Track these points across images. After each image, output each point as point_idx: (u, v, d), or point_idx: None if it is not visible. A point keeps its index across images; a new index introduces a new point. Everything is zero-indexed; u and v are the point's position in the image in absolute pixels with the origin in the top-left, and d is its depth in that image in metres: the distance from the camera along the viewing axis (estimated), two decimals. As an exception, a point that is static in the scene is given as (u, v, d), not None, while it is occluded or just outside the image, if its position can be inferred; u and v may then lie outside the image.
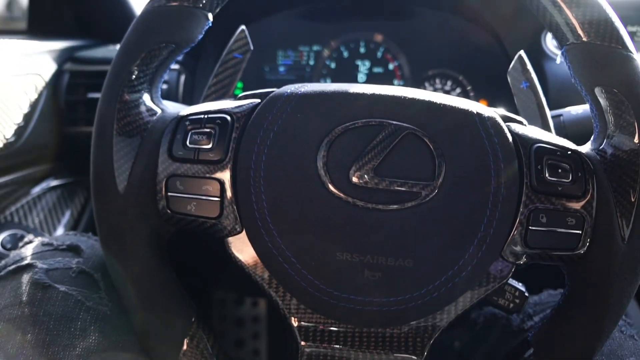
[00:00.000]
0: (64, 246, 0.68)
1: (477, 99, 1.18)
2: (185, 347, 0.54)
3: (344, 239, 0.50)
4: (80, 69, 1.12)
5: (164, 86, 1.09)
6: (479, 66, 1.18)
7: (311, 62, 1.23)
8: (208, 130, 0.52)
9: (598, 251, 0.50)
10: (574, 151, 0.52)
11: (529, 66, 0.75)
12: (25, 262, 0.63)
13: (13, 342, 0.55)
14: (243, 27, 0.80)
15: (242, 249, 0.51)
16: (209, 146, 0.51)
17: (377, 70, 1.22)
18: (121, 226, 0.52)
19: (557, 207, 0.50)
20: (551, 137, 0.54)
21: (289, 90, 0.53)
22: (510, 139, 0.51)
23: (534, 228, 0.50)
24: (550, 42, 1.09)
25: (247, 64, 0.80)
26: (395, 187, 0.50)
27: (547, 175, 0.50)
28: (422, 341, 0.51)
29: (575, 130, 0.79)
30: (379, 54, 1.22)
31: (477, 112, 0.52)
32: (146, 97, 0.55)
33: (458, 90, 1.19)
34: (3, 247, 1.05)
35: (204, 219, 0.51)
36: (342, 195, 0.49)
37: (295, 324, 0.51)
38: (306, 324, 0.51)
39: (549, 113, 0.75)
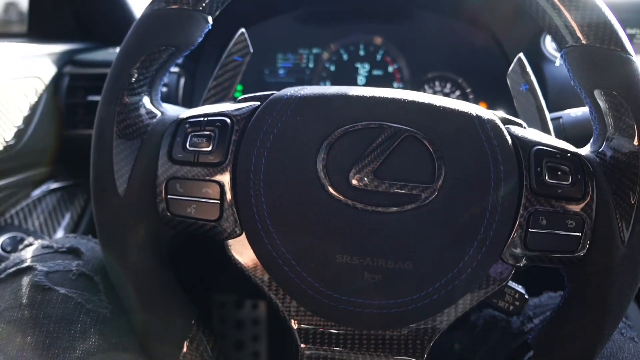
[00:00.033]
0: (64, 249, 0.68)
1: (476, 101, 1.18)
2: (185, 349, 0.54)
3: (343, 241, 0.50)
4: (80, 71, 1.12)
5: (164, 89, 1.09)
6: (479, 69, 1.18)
7: (311, 65, 1.23)
8: (208, 132, 0.52)
9: (598, 253, 0.50)
10: (574, 153, 0.52)
11: (529, 69, 0.75)
12: (25, 264, 0.63)
13: (13, 345, 0.55)
14: (243, 30, 0.80)
15: (242, 251, 0.51)
16: (209, 149, 0.51)
17: (376, 72, 1.22)
18: (121, 229, 0.52)
19: (556, 210, 0.50)
20: (551, 140, 0.54)
21: (288, 93, 0.53)
22: (510, 141, 0.51)
23: (533, 230, 0.50)
24: (549, 45, 1.09)
25: (247, 66, 0.80)
26: (395, 190, 0.50)
27: (546, 177, 0.50)
28: (422, 343, 0.51)
29: (575, 133, 0.79)
30: (379, 57, 1.22)
31: (476, 115, 0.52)
32: (146, 100, 0.55)
33: (457, 92, 1.19)
34: (3, 249, 1.05)
35: (203, 222, 0.51)
36: (341, 197, 0.49)
37: (295, 326, 0.51)
38: (306, 326, 0.51)
39: (548, 115, 0.75)
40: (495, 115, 0.53)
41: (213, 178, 0.51)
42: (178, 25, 0.53)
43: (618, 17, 0.52)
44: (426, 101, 0.52)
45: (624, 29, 0.52)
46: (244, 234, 0.51)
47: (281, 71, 1.24)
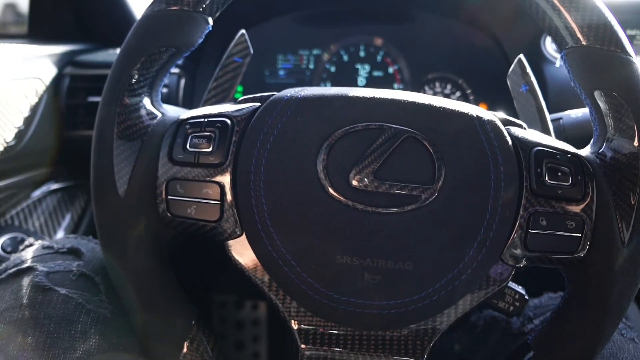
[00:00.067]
0: (65, 249, 0.68)
1: (476, 102, 1.19)
2: (185, 349, 0.54)
3: (344, 242, 0.50)
4: (80, 72, 1.12)
5: (164, 90, 1.10)
6: (479, 70, 1.18)
7: (311, 66, 1.23)
8: (208, 133, 0.52)
9: (598, 254, 0.50)
10: (574, 154, 0.52)
11: (529, 70, 0.75)
12: (26, 265, 0.63)
13: (14, 345, 0.55)
14: (243, 31, 0.80)
15: (242, 252, 0.51)
16: (209, 150, 0.51)
17: (376, 74, 1.22)
18: (121, 229, 0.52)
19: (557, 210, 0.50)
20: (551, 141, 0.54)
21: (288, 94, 0.53)
22: (510, 142, 0.51)
23: (533, 231, 0.50)
24: (549, 46, 1.09)
25: (247, 67, 0.80)
26: (395, 191, 0.50)
27: (546, 178, 0.51)
28: (422, 344, 0.51)
29: (575, 134, 0.79)
30: (379, 58, 1.22)
31: (476, 116, 0.52)
32: (146, 101, 0.55)
33: (458, 93, 1.20)
34: (3, 250, 1.05)
35: (204, 222, 0.51)
36: (342, 198, 0.49)
37: (295, 326, 0.51)
38: (306, 326, 0.51)
39: (548, 116, 0.75)
40: (496, 116, 0.53)
41: (213, 179, 0.51)
42: (178, 26, 0.53)
43: (618, 18, 0.52)
44: (426, 102, 0.52)
45: (624, 30, 0.52)
46: (244, 235, 0.51)
47: (281, 72, 1.24)
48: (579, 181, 0.51)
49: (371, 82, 1.22)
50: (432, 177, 0.50)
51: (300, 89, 0.54)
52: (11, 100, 0.96)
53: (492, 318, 0.83)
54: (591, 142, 0.56)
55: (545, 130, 0.74)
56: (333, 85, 1.23)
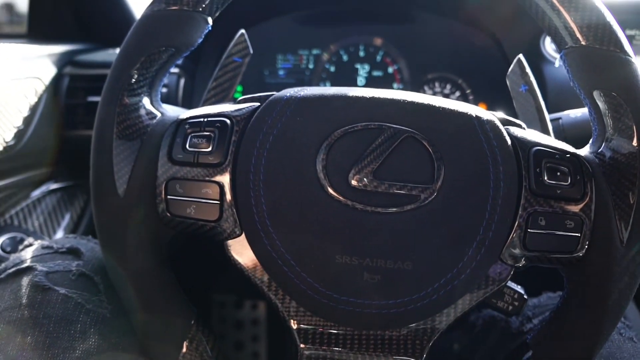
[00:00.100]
0: (64, 249, 0.68)
1: (476, 102, 1.19)
2: (184, 349, 0.54)
3: (343, 241, 0.50)
4: (80, 72, 1.12)
5: (164, 90, 1.10)
6: (478, 70, 1.18)
7: (311, 66, 1.23)
8: (208, 133, 0.52)
9: (597, 254, 0.50)
10: (573, 154, 0.52)
11: (528, 70, 0.75)
12: (25, 264, 0.63)
13: (13, 345, 0.55)
14: (242, 31, 0.80)
15: (242, 252, 0.51)
16: (209, 149, 0.51)
17: (376, 73, 1.22)
18: (121, 229, 0.52)
19: (555, 210, 0.50)
20: (550, 141, 0.54)
21: (288, 94, 0.53)
22: (509, 142, 0.51)
23: (532, 231, 0.50)
24: (549, 46, 1.09)
25: (247, 67, 0.80)
26: (394, 190, 0.50)
27: (545, 178, 0.51)
28: (422, 344, 0.51)
29: (574, 134, 0.79)
30: (379, 58, 1.22)
31: (476, 116, 0.52)
32: (146, 101, 0.55)
33: (457, 93, 1.20)
34: (3, 250, 1.05)
35: (203, 222, 0.52)
36: (341, 198, 0.50)
37: (294, 326, 0.51)
38: (305, 326, 0.51)
39: (547, 116, 0.75)
40: (495, 116, 0.53)
41: (213, 179, 0.51)
42: (178, 26, 0.53)
43: (617, 18, 0.52)
44: (426, 102, 0.52)
45: (624, 30, 0.52)
46: (243, 235, 0.51)
47: (281, 72, 1.24)
48: (578, 181, 0.51)
49: (371, 82, 1.22)
50: (431, 176, 0.50)
51: (299, 88, 0.54)
52: (11, 100, 0.96)
53: (491, 317, 0.83)
54: (590, 142, 0.56)
55: (545, 130, 0.74)
56: (333, 85, 1.23)
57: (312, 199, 0.50)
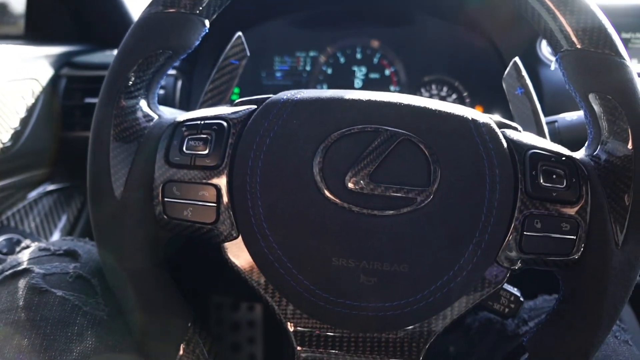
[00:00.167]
0: (61, 251, 0.68)
1: (473, 105, 1.19)
2: (181, 351, 0.54)
3: (339, 244, 0.50)
4: (77, 74, 1.12)
5: (161, 91, 1.10)
6: (475, 72, 1.19)
7: (308, 68, 1.23)
8: (204, 136, 0.52)
9: (592, 256, 0.50)
10: (568, 157, 0.53)
11: (524, 72, 0.75)
12: (22, 267, 0.63)
13: (10, 347, 0.55)
14: (239, 33, 0.80)
15: (239, 254, 0.51)
16: (206, 152, 0.52)
17: (373, 76, 1.22)
18: (118, 231, 0.52)
19: (551, 213, 0.50)
20: (546, 143, 0.54)
21: (285, 97, 0.53)
22: (505, 145, 0.52)
23: (528, 233, 0.50)
24: (545, 49, 1.09)
25: (244, 69, 0.80)
26: (391, 193, 0.50)
27: (541, 181, 0.51)
28: (418, 346, 0.51)
29: (570, 136, 0.80)
30: (375, 60, 1.22)
31: (472, 119, 0.52)
32: (143, 103, 0.55)
33: (454, 96, 1.20)
34: (-1, 251, 1.05)
35: (200, 225, 0.52)
36: (338, 200, 0.50)
37: (291, 329, 0.51)
38: (302, 329, 0.51)
39: (543, 119, 0.75)
40: (491, 119, 0.53)
41: (210, 181, 0.51)
42: (175, 28, 0.53)
43: (613, 22, 0.52)
44: (422, 105, 0.52)
45: (619, 33, 0.52)
46: (240, 237, 0.51)
47: (278, 74, 1.24)
48: (573, 184, 0.51)
49: (368, 84, 1.22)
50: (427, 179, 0.50)
51: (296, 91, 0.54)
52: (8, 101, 0.96)
53: (487, 320, 0.83)
54: (586, 144, 0.56)
55: (540, 133, 0.74)
56: (330, 87, 1.23)
57: (308, 202, 0.50)
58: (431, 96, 1.20)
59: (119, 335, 0.61)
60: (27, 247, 0.71)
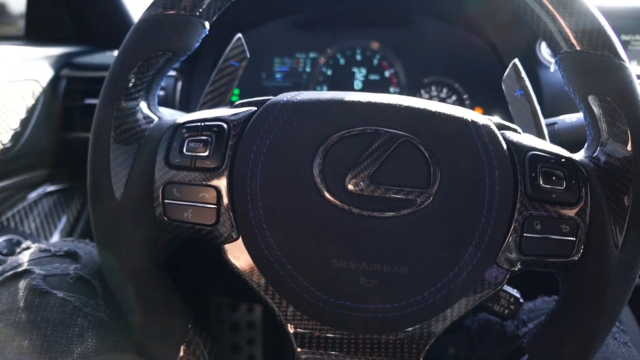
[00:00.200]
0: (62, 252, 0.68)
1: (472, 106, 1.19)
2: (182, 353, 0.54)
3: (340, 246, 0.50)
4: (77, 75, 1.12)
5: (161, 92, 1.10)
6: (475, 74, 1.19)
7: (307, 69, 1.24)
8: (205, 137, 0.52)
9: (592, 258, 0.51)
10: (568, 159, 0.53)
11: (524, 74, 0.76)
12: (23, 268, 0.63)
13: (10, 348, 0.55)
14: (239, 35, 0.80)
15: (239, 256, 0.51)
16: (206, 154, 0.52)
17: (373, 77, 1.22)
18: (118, 233, 0.52)
19: (551, 214, 0.50)
20: (545, 145, 0.54)
21: (285, 98, 0.53)
22: (505, 146, 0.52)
23: (528, 235, 0.50)
24: (545, 51, 1.09)
25: (244, 70, 0.80)
26: (391, 195, 0.50)
27: (541, 182, 0.51)
28: (418, 347, 0.51)
29: (569, 138, 0.80)
30: (375, 62, 1.22)
31: (472, 120, 0.52)
32: (143, 105, 0.55)
33: (454, 97, 1.20)
34: (-1, 252, 1.05)
35: (200, 226, 0.52)
36: (338, 202, 0.50)
37: (291, 330, 0.51)
38: (302, 330, 0.51)
39: (543, 121, 0.75)
40: (491, 120, 0.54)
41: (210, 183, 0.51)
42: (175, 30, 0.53)
43: (612, 24, 0.52)
44: (422, 107, 0.53)
45: (618, 36, 0.52)
46: (240, 239, 0.51)
47: (278, 75, 1.24)
48: (573, 185, 0.51)
49: (367, 86, 1.22)
50: (427, 181, 0.50)
51: (296, 93, 0.54)
52: (8, 102, 0.96)
53: (486, 321, 0.83)
54: (585, 146, 0.56)
55: (540, 135, 0.74)
56: (329, 88, 1.23)
57: (308, 204, 0.50)
58: (431, 97, 1.20)
59: (119, 336, 0.61)
60: (28, 248, 0.71)
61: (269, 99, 0.54)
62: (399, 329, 0.51)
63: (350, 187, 0.50)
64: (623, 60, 0.51)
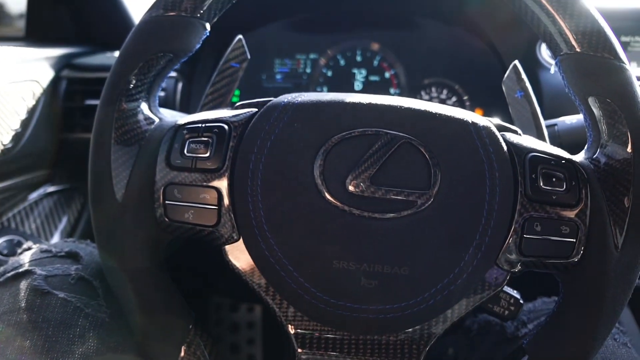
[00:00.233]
0: (63, 253, 0.68)
1: (472, 108, 1.19)
2: (182, 353, 0.54)
3: (340, 247, 0.50)
4: (77, 75, 1.12)
5: (161, 93, 1.10)
6: (475, 75, 1.19)
7: (308, 70, 1.24)
8: (205, 139, 0.52)
9: (592, 259, 0.51)
10: (568, 160, 0.53)
11: (524, 76, 0.76)
12: (24, 268, 0.64)
13: (12, 348, 0.55)
14: (240, 36, 0.80)
15: (239, 256, 0.51)
16: (207, 155, 0.52)
17: (373, 78, 1.22)
18: (119, 233, 0.52)
19: (551, 216, 0.50)
20: (545, 147, 0.54)
21: (285, 100, 0.53)
22: (505, 148, 0.52)
23: (528, 236, 0.50)
24: (545, 52, 1.09)
25: (244, 71, 0.80)
26: (392, 196, 0.50)
27: (541, 184, 0.51)
28: (418, 348, 0.51)
29: (570, 140, 0.80)
30: (376, 63, 1.22)
31: (472, 122, 0.52)
32: (144, 106, 0.55)
33: (454, 99, 1.20)
34: (0, 253, 1.05)
35: (201, 227, 0.52)
36: (338, 204, 0.50)
37: (292, 331, 0.51)
38: (303, 331, 0.51)
39: (543, 122, 0.75)
40: (491, 122, 0.54)
41: (211, 184, 0.51)
42: (176, 32, 0.54)
43: (612, 25, 0.52)
44: (423, 108, 0.53)
45: (618, 37, 0.52)
46: (241, 240, 0.51)
47: (278, 76, 1.25)
48: (573, 187, 0.51)
49: (368, 87, 1.22)
50: (428, 182, 0.50)
51: (297, 94, 0.54)
52: (8, 103, 0.96)
53: (486, 322, 0.83)
54: (585, 148, 0.56)
55: (540, 136, 0.74)
56: (330, 89, 1.23)
57: (309, 205, 0.50)
58: (431, 99, 1.20)
59: (120, 337, 0.61)
60: (29, 248, 0.71)
61: (269, 100, 0.54)
62: (399, 330, 0.51)
63: (351, 188, 0.50)
64: (623, 62, 0.51)
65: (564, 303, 0.54)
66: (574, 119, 0.82)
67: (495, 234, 0.50)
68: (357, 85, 1.23)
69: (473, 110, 1.14)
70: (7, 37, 1.30)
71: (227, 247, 0.51)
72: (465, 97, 1.19)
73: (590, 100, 0.52)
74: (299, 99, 0.53)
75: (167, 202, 0.52)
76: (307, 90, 1.23)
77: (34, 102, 1.03)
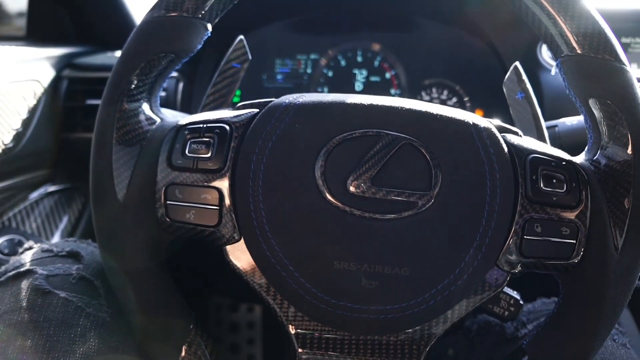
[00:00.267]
0: (64, 252, 0.68)
1: (473, 109, 1.19)
2: (183, 353, 0.54)
3: (341, 247, 0.50)
4: (79, 75, 1.12)
5: (162, 93, 1.09)
6: (476, 76, 1.19)
7: (309, 71, 1.24)
8: (207, 139, 0.52)
9: (592, 260, 0.51)
10: (569, 162, 0.53)
11: (525, 77, 0.76)
12: (25, 268, 0.64)
13: (13, 348, 0.56)
14: (241, 37, 0.80)
15: (240, 257, 0.51)
16: (208, 155, 0.52)
17: (374, 79, 1.22)
18: (120, 233, 0.52)
19: (551, 217, 0.51)
20: (546, 148, 0.54)
21: (287, 100, 0.53)
22: (506, 149, 0.52)
23: (528, 237, 0.50)
24: (545, 53, 1.09)
25: (245, 71, 0.80)
26: (392, 197, 0.50)
27: (542, 185, 0.51)
28: (418, 349, 0.51)
29: (570, 141, 0.80)
30: (376, 63, 1.22)
31: (473, 123, 0.52)
32: (145, 106, 0.55)
33: (454, 99, 1.20)
34: (1, 252, 1.05)
35: (202, 227, 0.52)
36: (339, 204, 0.50)
37: (292, 331, 0.51)
38: (303, 331, 0.51)
39: (544, 124, 0.75)
40: (492, 123, 0.54)
41: (212, 184, 0.51)
42: (178, 32, 0.54)
43: (613, 27, 0.52)
44: (424, 109, 0.53)
45: (619, 38, 0.52)
46: (242, 240, 0.51)
47: (279, 76, 1.25)
48: (573, 188, 0.51)
49: (368, 87, 1.22)
50: (428, 183, 0.50)
51: (298, 95, 0.54)
52: (9, 103, 0.97)
53: (486, 323, 0.83)
54: (586, 149, 0.56)
55: (541, 138, 0.74)
56: (330, 90, 1.23)
57: (310, 205, 0.50)
58: (431, 99, 1.20)
59: (121, 336, 0.61)
60: (30, 248, 0.71)
61: (271, 101, 0.54)
62: (400, 330, 0.51)
63: (352, 189, 0.50)
64: (623, 64, 0.51)
65: (563, 304, 0.54)
66: (574, 121, 0.82)
67: (496, 235, 0.50)
68: (358, 85, 1.23)
69: (473, 111, 1.14)
70: (8, 36, 1.30)
71: (228, 248, 0.51)
72: (466, 98, 1.19)
73: (591, 102, 0.52)
74: (301, 100, 0.53)
75: (168, 202, 0.52)
76: (307, 90, 1.23)
77: (35, 102, 1.04)
